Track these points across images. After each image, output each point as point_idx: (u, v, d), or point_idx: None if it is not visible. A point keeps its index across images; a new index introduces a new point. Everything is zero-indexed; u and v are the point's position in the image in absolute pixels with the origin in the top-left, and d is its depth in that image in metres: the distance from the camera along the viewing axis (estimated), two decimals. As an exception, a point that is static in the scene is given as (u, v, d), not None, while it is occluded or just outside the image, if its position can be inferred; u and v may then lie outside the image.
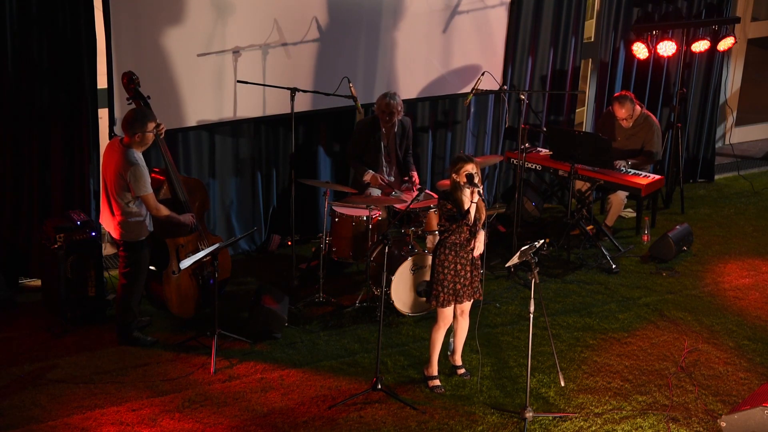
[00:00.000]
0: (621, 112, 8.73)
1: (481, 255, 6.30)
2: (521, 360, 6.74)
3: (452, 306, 6.31)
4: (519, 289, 7.86)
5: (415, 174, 8.07)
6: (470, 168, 6.07)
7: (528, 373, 6.12)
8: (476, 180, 6.04)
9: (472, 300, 6.37)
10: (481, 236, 6.18)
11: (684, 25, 9.65)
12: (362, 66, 8.38)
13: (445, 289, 6.23)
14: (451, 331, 6.60)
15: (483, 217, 6.15)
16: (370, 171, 7.90)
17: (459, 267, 6.22)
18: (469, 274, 6.25)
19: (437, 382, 6.44)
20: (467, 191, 6.10)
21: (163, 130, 6.72)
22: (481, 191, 6.09)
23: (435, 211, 7.54)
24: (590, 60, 9.93)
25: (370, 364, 6.67)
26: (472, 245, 6.19)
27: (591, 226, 8.75)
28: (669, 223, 9.11)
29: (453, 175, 6.12)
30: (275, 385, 6.44)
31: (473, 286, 6.30)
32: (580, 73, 9.64)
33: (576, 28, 9.36)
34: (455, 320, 6.45)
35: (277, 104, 8.01)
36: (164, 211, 6.70)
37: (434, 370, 6.47)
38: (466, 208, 6.10)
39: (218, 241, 7.08)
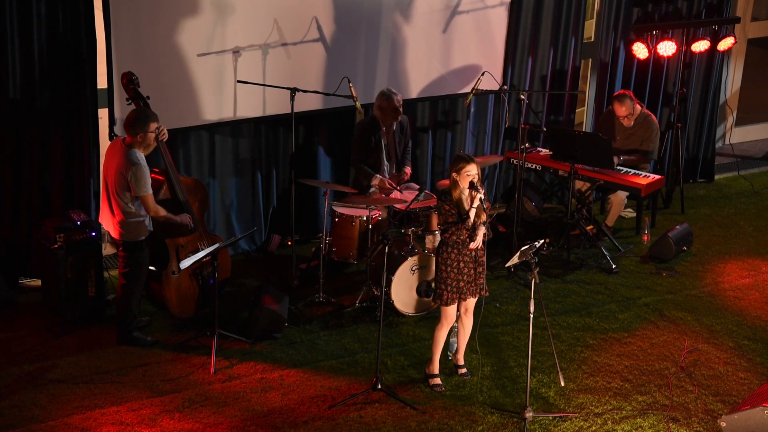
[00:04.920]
0: (621, 110, 8.74)
1: (485, 252, 6.30)
2: (521, 360, 6.74)
3: (456, 304, 6.31)
4: (519, 289, 7.86)
5: (408, 169, 8.07)
6: (471, 169, 6.07)
7: (528, 373, 6.12)
8: (478, 184, 6.06)
9: (476, 298, 6.36)
10: (481, 230, 6.17)
11: (684, 25, 9.65)
12: (362, 66, 8.38)
13: (449, 288, 6.23)
14: (452, 331, 6.61)
15: (483, 218, 6.14)
16: (378, 176, 7.89)
17: (462, 264, 6.22)
18: (472, 272, 6.25)
19: (438, 381, 6.45)
20: (467, 192, 6.11)
21: (164, 135, 6.71)
22: (483, 197, 6.08)
23: (434, 211, 7.54)
24: (590, 60, 9.93)
25: (370, 364, 6.67)
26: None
27: (591, 226, 8.76)
28: (669, 223, 9.11)
29: (453, 174, 6.13)
30: (275, 385, 6.44)
31: (477, 283, 6.30)
32: (580, 73, 9.64)
33: (576, 28, 9.36)
34: (459, 319, 6.46)
35: (277, 104, 8.01)
36: (162, 212, 6.70)
37: (435, 368, 6.47)
38: (466, 208, 6.11)
39: (218, 241, 7.08)
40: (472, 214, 6.09)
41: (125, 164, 6.46)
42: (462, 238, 6.15)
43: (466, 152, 9.14)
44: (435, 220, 7.56)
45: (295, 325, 7.19)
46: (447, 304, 6.28)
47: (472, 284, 6.29)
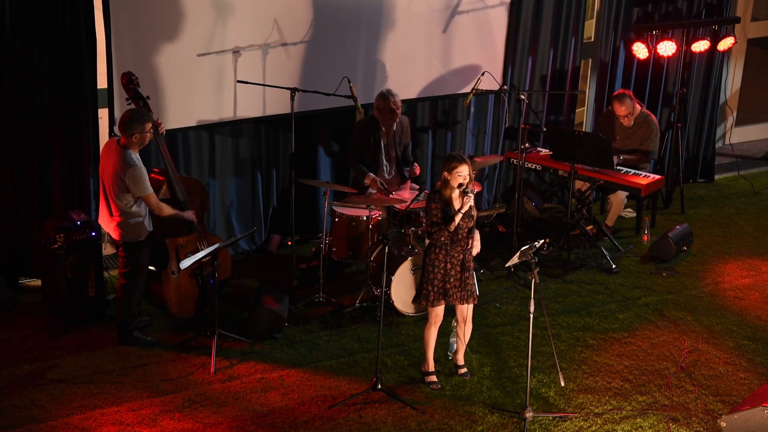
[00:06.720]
0: (621, 109, 8.74)
1: (475, 258, 6.32)
2: (521, 360, 6.74)
3: (443, 305, 6.31)
4: (519, 289, 7.86)
5: (416, 166, 8.08)
6: (463, 170, 6.07)
7: (528, 373, 6.12)
8: (470, 188, 6.07)
9: (470, 305, 6.35)
10: (476, 237, 6.21)
11: (684, 25, 9.65)
12: (362, 66, 8.38)
13: (435, 288, 6.24)
14: (451, 331, 6.61)
15: (471, 223, 6.19)
16: (371, 174, 7.89)
17: (449, 266, 6.22)
18: (459, 275, 6.24)
19: (434, 378, 6.45)
20: (457, 192, 6.12)
21: (163, 129, 6.72)
22: (473, 204, 6.11)
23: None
24: (590, 60, 9.93)
25: (370, 364, 6.67)
26: (469, 245, 6.20)
27: (591, 226, 8.76)
28: (669, 223, 9.11)
29: (444, 173, 6.13)
30: (275, 385, 6.44)
31: (465, 290, 6.28)
32: (580, 73, 9.64)
33: (576, 28, 9.36)
34: (458, 326, 6.46)
35: (277, 104, 8.01)
36: (167, 210, 6.70)
37: (430, 366, 6.48)
38: (455, 207, 6.11)
39: (218, 241, 7.08)
40: (458, 218, 6.09)
41: (121, 167, 6.45)
42: (444, 239, 6.15)
43: (467, 152, 9.17)
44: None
45: (295, 325, 7.19)
46: (432, 305, 6.29)
47: (459, 290, 6.27)
